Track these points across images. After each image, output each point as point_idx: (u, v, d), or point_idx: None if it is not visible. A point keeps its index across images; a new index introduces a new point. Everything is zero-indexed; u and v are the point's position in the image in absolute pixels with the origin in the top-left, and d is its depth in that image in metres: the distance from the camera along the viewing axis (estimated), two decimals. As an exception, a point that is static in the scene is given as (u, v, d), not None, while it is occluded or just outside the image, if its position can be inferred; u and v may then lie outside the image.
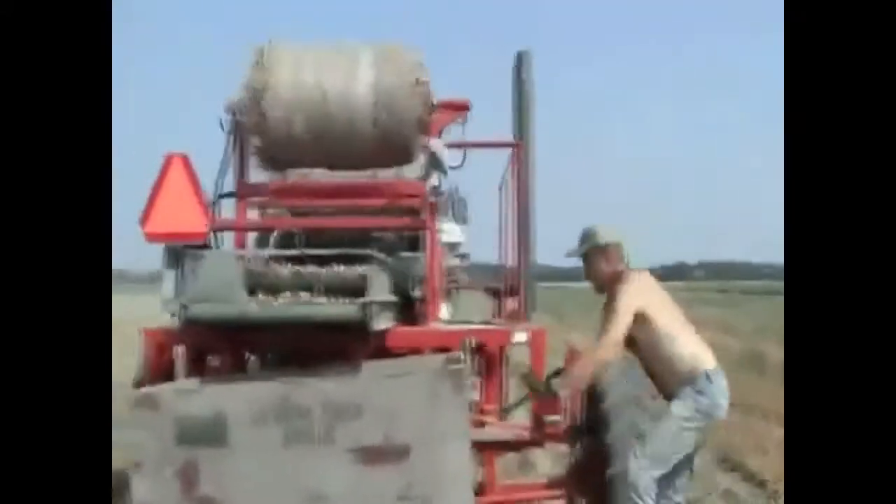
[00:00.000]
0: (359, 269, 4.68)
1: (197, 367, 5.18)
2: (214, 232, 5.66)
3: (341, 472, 3.95)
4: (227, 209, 5.86)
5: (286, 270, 4.88)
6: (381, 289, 4.75)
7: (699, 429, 4.86)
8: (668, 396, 4.93)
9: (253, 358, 5.78)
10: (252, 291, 4.70)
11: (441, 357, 4.57)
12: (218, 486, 3.97)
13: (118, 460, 3.83)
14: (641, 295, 4.95)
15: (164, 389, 4.14)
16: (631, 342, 5.07)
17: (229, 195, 5.78)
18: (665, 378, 5.01)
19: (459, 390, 4.00)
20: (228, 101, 5.67)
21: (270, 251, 5.04)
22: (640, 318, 4.87)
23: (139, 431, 4.02)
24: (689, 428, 4.85)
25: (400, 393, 4.00)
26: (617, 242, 5.20)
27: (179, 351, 4.94)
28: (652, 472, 4.80)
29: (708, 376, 4.84)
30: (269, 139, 5.33)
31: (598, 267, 5.13)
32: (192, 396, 4.13)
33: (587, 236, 5.22)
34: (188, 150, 4.69)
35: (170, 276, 4.53)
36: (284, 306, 4.56)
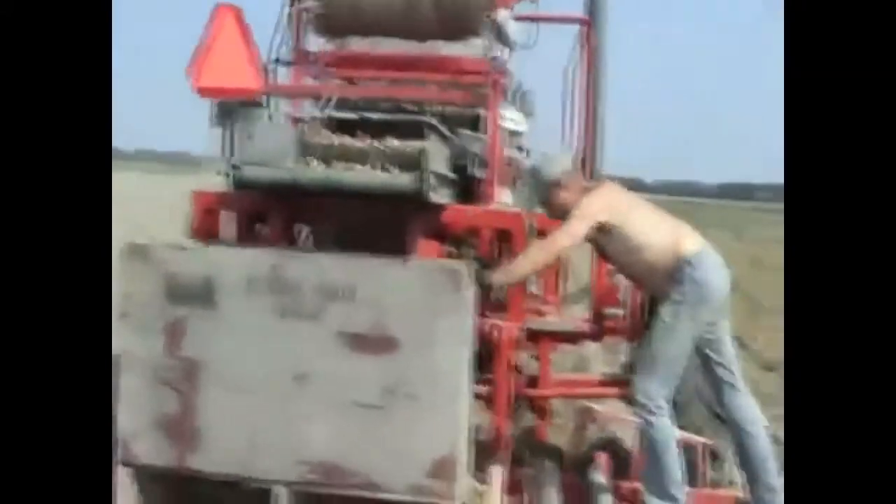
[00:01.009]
0: (416, 144, 4.44)
1: (245, 234, 5.03)
2: (268, 96, 5.50)
3: (328, 353, 3.80)
4: (281, 77, 5.66)
5: (340, 140, 4.71)
6: (439, 162, 4.54)
7: (692, 318, 4.44)
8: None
9: (305, 230, 5.62)
10: (306, 161, 4.55)
11: (448, 262, 4.41)
12: (203, 347, 3.89)
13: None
14: (600, 204, 4.57)
15: (156, 243, 4.07)
16: (603, 255, 4.83)
17: (284, 63, 5.53)
18: (652, 284, 4.66)
19: (460, 292, 3.74)
20: None
21: (332, 113, 4.77)
22: (606, 230, 4.53)
23: (128, 281, 3.94)
24: (677, 325, 4.44)
25: (394, 283, 3.79)
26: (569, 170, 4.83)
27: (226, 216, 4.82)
28: (649, 383, 4.47)
29: (689, 262, 4.43)
30: (328, 5, 5.10)
31: (563, 201, 4.70)
32: (184, 254, 4.03)
33: (537, 176, 4.87)
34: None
35: (220, 135, 4.31)
36: (340, 173, 4.40)
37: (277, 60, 5.51)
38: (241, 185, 4.41)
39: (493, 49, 5.31)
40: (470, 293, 3.82)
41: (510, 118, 7.43)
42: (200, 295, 3.87)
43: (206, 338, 3.88)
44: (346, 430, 3.78)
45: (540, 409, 6.01)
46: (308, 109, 5.95)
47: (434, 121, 4.39)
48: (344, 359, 3.76)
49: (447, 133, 5.01)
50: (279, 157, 4.42)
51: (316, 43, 5.70)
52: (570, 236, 4.52)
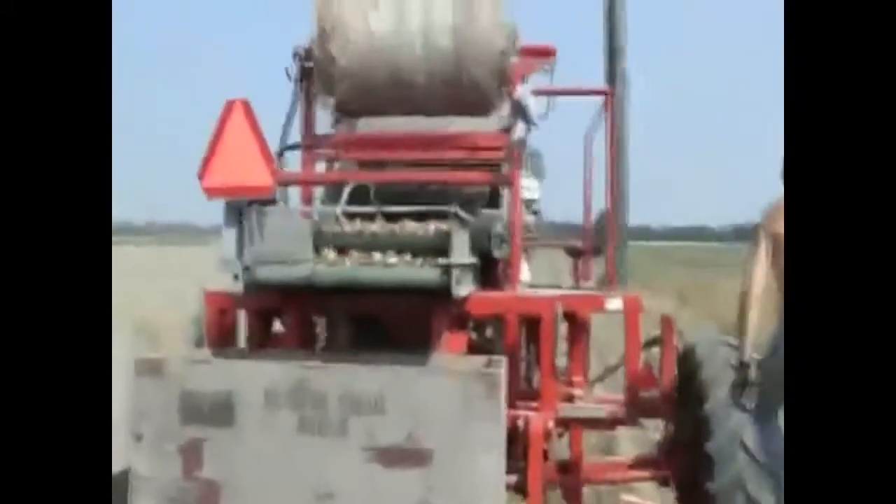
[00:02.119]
0: (440, 227, 4.27)
1: (261, 332, 4.85)
2: (280, 186, 5.34)
3: (354, 470, 3.57)
4: (293, 163, 5.52)
5: (357, 227, 4.55)
6: (462, 249, 4.33)
7: None
8: None
9: (323, 323, 5.43)
10: (320, 250, 4.42)
11: (477, 359, 4.17)
12: (222, 469, 3.66)
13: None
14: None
15: (170, 357, 3.84)
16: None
17: (295, 147, 5.47)
18: None
19: (495, 398, 3.52)
20: (295, 46, 5.33)
21: (340, 207, 4.59)
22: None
23: (141, 399, 3.73)
24: None
25: (427, 392, 3.55)
26: None
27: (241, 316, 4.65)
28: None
29: None
30: (339, 86, 4.95)
31: None
32: (201, 368, 3.81)
33: None
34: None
35: (230, 235, 4.17)
36: (358, 269, 4.20)
37: (287, 147, 5.38)
38: (253, 285, 4.22)
39: (513, 126, 5.14)
40: (503, 396, 3.61)
41: (526, 186, 7.27)
42: (219, 412, 3.65)
43: (226, 458, 3.65)
44: None
45: (573, 496, 5.80)
46: (320, 198, 5.82)
47: (457, 209, 4.20)
48: (371, 475, 3.53)
49: (468, 217, 4.85)
50: (292, 253, 4.27)
51: (326, 128, 5.57)
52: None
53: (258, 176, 4.18)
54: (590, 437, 7.60)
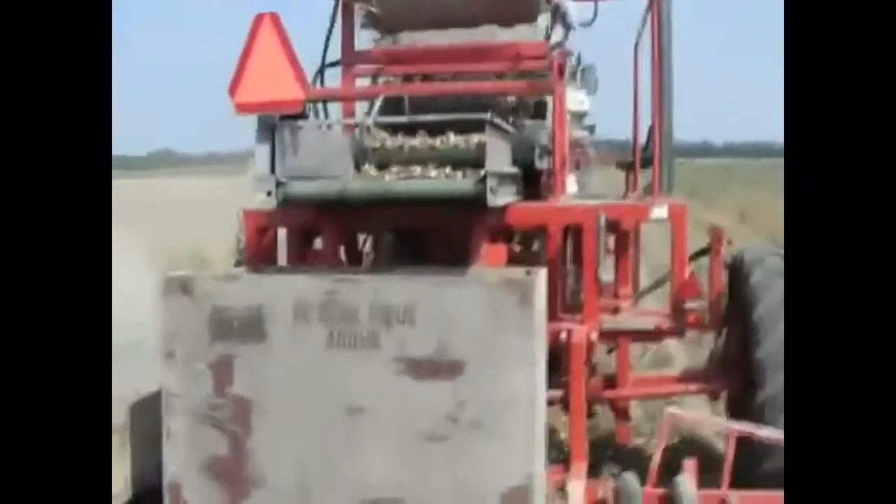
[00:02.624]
0: (475, 138, 4.15)
1: (300, 250, 4.83)
2: (318, 102, 5.30)
3: (385, 383, 3.53)
4: (333, 80, 5.43)
5: (396, 141, 4.48)
6: (500, 159, 4.27)
7: None
8: None
9: (367, 239, 5.39)
10: (359, 165, 4.34)
11: (515, 271, 4.06)
12: (252, 385, 3.65)
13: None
14: None
15: (200, 275, 3.80)
16: None
17: (335, 64, 5.41)
18: None
19: (528, 308, 3.42)
20: None
21: (372, 118, 4.52)
22: None
23: (171, 318, 3.71)
24: None
25: (457, 302, 3.48)
26: None
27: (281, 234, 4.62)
28: None
29: None
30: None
31: None
32: (230, 285, 3.75)
33: None
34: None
35: (263, 151, 4.08)
36: (391, 182, 4.16)
37: (330, 63, 5.35)
38: (288, 201, 4.17)
39: (553, 32, 5.00)
40: (541, 305, 3.53)
41: (573, 99, 7.11)
42: (249, 328, 3.62)
43: (256, 374, 3.64)
44: (407, 465, 3.52)
45: (620, 411, 5.75)
46: (361, 114, 5.76)
47: (492, 117, 4.09)
48: (402, 387, 3.50)
49: (508, 127, 4.74)
50: (328, 169, 4.17)
51: (367, 42, 5.48)
52: None
53: (289, 90, 4.10)
54: (643, 355, 7.52)
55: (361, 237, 5.55)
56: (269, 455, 3.64)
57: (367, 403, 3.55)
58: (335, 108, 5.65)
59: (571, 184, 5.93)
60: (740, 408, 5.16)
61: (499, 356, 3.41)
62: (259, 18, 4.09)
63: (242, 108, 4.13)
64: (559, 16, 4.89)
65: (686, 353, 7.93)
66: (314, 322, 3.57)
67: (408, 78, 5.48)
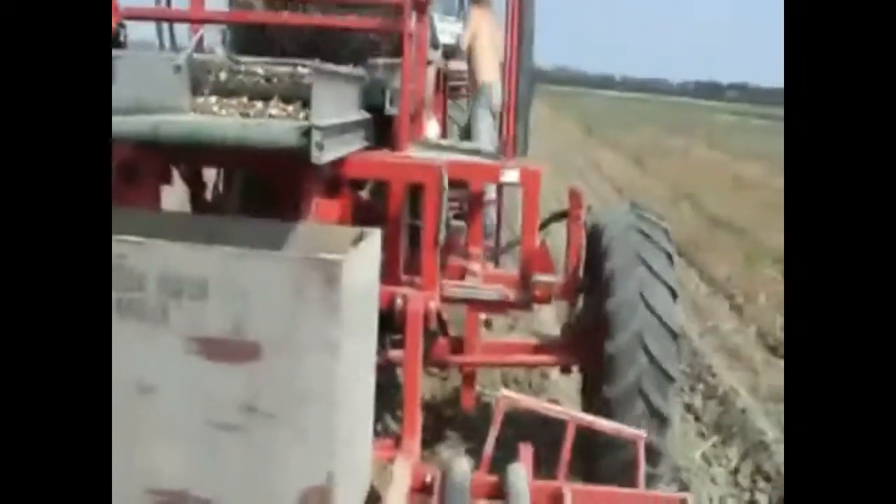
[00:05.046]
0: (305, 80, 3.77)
1: (125, 187, 4.36)
2: (157, 22, 4.83)
3: (176, 362, 3.09)
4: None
5: (236, 73, 4.19)
6: (338, 106, 3.88)
7: None
8: None
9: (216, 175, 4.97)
10: (197, 93, 4.07)
11: (346, 231, 3.71)
12: None
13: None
14: None
15: None
16: None
17: None
18: None
19: (334, 289, 2.99)
20: None
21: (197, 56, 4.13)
22: None
23: None
24: None
25: (255, 278, 3.03)
26: None
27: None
28: None
29: None
30: None
31: None
32: None
33: None
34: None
35: None
36: (206, 124, 3.75)
37: None
38: None
39: None
40: (354, 286, 3.13)
41: (442, 30, 6.69)
42: None
43: None
44: (200, 455, 3.10)
45: (467, 376, 5.47)
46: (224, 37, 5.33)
47: (318, 63, 3.67)
48: (194, 368, 3.06)
49: (352, 71, 4.32)
50: (156, 101, 3.78)
51: None
52: None
53: None
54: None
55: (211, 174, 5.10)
56: None
57: (157, 383, 3.11)
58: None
59: (432, 129, 5.52)
60: (594, 381, 4.92)
61: (298, 342, 2.99)
62: None
63: None
64: None
65: (556, 314, 7.69)
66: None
67: (270, 3, 5.02)
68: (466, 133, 8.81)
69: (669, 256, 4.56)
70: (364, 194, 5.01)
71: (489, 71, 9.00)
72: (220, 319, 3.04)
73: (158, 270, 3.06)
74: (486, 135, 8.58)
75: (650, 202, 5.64)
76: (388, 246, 4.20)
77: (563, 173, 18.73)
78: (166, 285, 3.06)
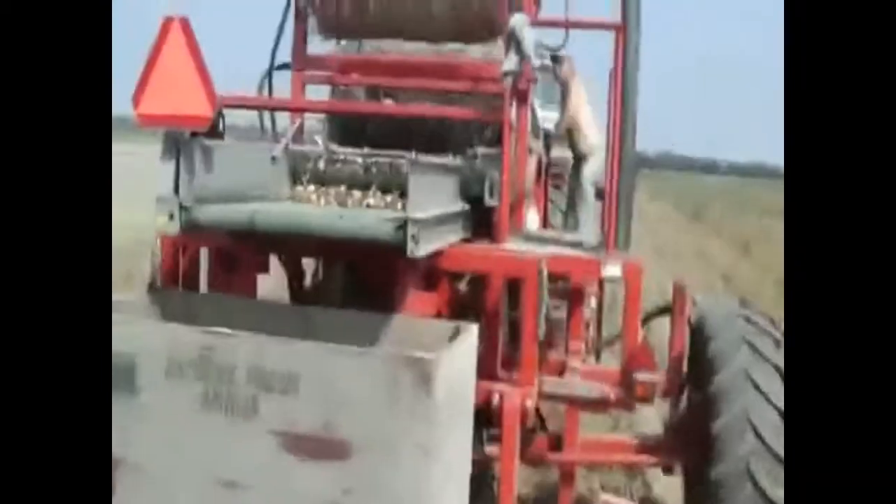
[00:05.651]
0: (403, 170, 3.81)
1: (225, 274, 4.38)
2: (257, 110, 4.92)
3: (262, 458, 3.02)
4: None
5: (333, 164, 4.34)
6: (436, 198, 3.82)
7: None
8: None
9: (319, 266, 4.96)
10: (296, 182, 4.22)
11: (442, 326, 3.62)
12: (120, 440, 3.11)
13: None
14: None
15: None
16: None
17: (284, 66, 5.03)
18: None
19: (426, 389, 2.90)
20: None
21: (293, 147, 4.19)
22: None
23: None
24: None
25: (345, 375, 2.96)
26: None
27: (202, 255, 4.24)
28: None
29: None
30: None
31: None
32: None
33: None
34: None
35: (167, 170, 3.58)
36: (303, 213, 3.74)
37: (278, 66, 4.97)
38: (192, 227, 3.68)
39: (507, 59, 4.53)
40: (446, 386, 3.01)
41: (544, 118, 6.64)
42: (121, 376, 3.12)
43: (128, 428, 3.13)
44: None
45: (565, 475, 5.29)
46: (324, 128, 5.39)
47: (416, 156, 3.66)
48: (282, 465, 2.99)
49: (449, 161, 4.28)
50: (240, 191, 3.83)
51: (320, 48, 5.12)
52: None
53: (196, 104, 3.62)
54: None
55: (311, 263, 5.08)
56: None
57: (243, 479, 3.05)
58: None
59: (532, 219, 5.44)
60: (697, 484, 4.70)
61: (390, 442, 2.90)
62: (167, 23, 3.61)
63: (145, 121, 3.67)
64: (513, 42, 4.39)
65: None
66: (189, 378, 3.08)
67: (371, 91, 5.11)
68: (568, 214, 8.65)
69: (779, 371, 4.35)
70: (462, 286, 4.92)
71: (594, 136, 8.87)
72: (310, 415, 2.97)
73: (249, 363, 3.03)
74: (589, 222, 8.42)
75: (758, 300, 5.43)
76: (486, 340, 4.09)
77: (665, 261, 18.32)
78: (256, 378, 3.02)
